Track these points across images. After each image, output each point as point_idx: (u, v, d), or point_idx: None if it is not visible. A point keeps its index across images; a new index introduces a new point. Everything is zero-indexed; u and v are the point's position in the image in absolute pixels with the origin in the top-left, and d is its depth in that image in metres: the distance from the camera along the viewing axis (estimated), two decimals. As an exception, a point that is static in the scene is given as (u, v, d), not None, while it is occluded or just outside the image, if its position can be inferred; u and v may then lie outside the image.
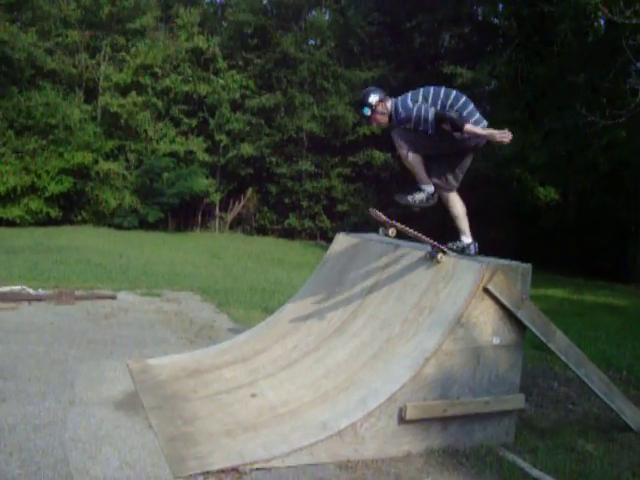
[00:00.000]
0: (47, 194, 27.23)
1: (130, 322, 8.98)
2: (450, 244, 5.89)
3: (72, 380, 6.19)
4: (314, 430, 4.79)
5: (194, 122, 30.90)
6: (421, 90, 5.73)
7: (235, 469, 4.46)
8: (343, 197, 31.10)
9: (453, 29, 30.07)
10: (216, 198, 31.94)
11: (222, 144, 30.96)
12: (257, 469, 4.49)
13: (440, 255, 5.69)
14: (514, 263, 5.47)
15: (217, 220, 32.65)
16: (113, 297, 10.50)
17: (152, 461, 4.56)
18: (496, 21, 29.74)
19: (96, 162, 28.40)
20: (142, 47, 29.92)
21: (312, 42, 32.75)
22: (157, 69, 29.75)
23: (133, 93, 29.17)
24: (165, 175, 28.31)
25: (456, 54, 30.59)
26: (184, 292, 11.77)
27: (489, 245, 7.56)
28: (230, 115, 30.80)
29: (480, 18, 30.69)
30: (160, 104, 29.97)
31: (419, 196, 5.79)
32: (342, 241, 7.51)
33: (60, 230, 25.77)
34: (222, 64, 31.26)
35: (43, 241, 20.26)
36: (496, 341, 5.23)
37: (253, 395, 5.53)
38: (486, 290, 5.12)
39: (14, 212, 26.74)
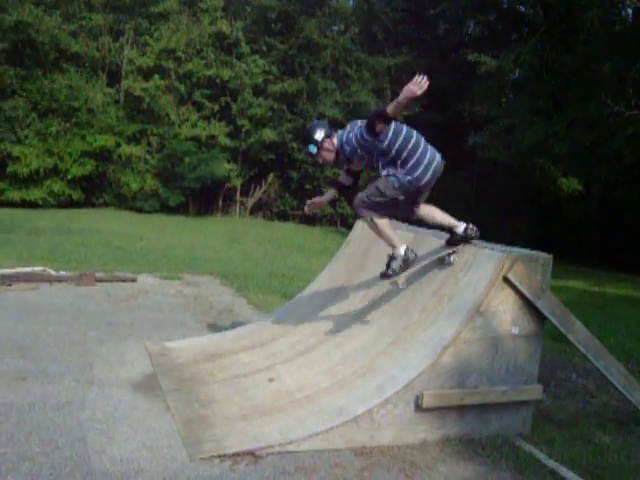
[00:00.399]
0: (69, 176, 27.35)
1: (150, 305, 9.04)
2: (449, 239, 5.77)
3: (91, 361, 6.25)
4: (330, 415, 4.81)
5: (216, 107, 30.85)
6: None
7: (251, 453, 4.49)
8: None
9: (478, 16, 29.87)
10: (237, 183, 31.92)
11: (244, 129, 30.89)
12: (273, 453, 4.51)
13: (453, 257, 5.66)
14: (535, 253, 5.43)
15: (238, 205, 32.66)
16: (133, 280, 10.57)
17: (169, 443, 4.60)
18: (522, 9, 29.45)
19: (118, 145, 28.47)
20: (165, 31, 29.91)
21: (336, 28, 32.60)
22: (180, 53, 29.69)
23: (156, 77, 29.13)
24: (187, 159, 28.33)
25: (480, 42, 30.41)
26: (204, 276, 11.82)
27: (510, 235, 7.54)
28: (252, 100, 30.72)
29: (505, 6, 30.38)
30: (183, 88, 29.94)
31: (395, 264, 5.55)
32: (363, 227, 7.50)
33: (82, 212, 25.93)
34: (245, 49, 31.15)
35: (65, 223, 20.39)
36: (515, 331, 5.20)
37: (270, 380, 5.55)
38: (506, 279, 5.09)
39: (37, 194, 26.91)
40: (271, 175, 32.70)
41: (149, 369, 6.08)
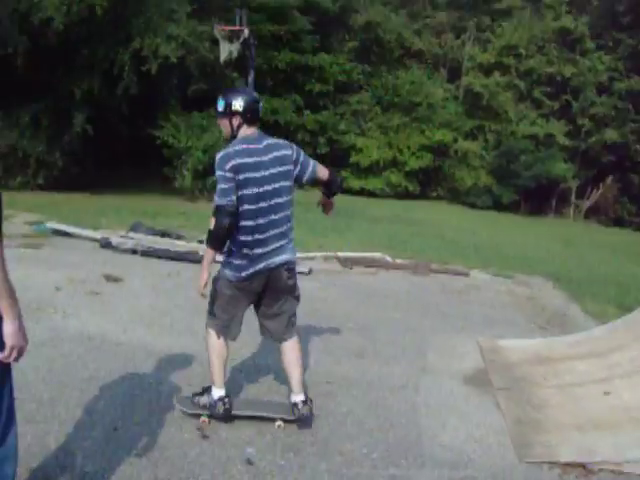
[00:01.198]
0: (407, 169, 28.41)
1: (481, 300, 9.09)
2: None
3: (424, 349, 6.46)
4: (675, 441, 4.49)
5: (556, 105, 30.12)
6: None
7: (582, 465, 4.33)
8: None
9: None
10: (573, 184, 30.89)
11: (584, 128, 29.79)
12: (605, 470, 4.32)
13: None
14: None
15: (572, 207, 31.58)
16: (466, 274, 10.69)
17: (498, 440, 4.60)
18: None
19: (455, 140, 29.00)
20: (507, 27, 29.81)
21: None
22: (521, 50, 29.45)
23: (496, 73, 29.23)
24: (523, 157, 28.05)
25: None
26: (535, 277, 11.56)
27: None
28: (595, 98, 29.48)
29: None
30: (522, 85, 29.68)
31: (202, 400, 4.42)
32: None
33: (416, 204, 26.78)
34: (589, 44, 29.96)
35: (401, 213, 21.23)
36: None
37: (606, 393, 5.31)
38: None
39: (375, 184, 28.38)
40: (609, 178, 31.10)
41: (480, 364, 6.13)
